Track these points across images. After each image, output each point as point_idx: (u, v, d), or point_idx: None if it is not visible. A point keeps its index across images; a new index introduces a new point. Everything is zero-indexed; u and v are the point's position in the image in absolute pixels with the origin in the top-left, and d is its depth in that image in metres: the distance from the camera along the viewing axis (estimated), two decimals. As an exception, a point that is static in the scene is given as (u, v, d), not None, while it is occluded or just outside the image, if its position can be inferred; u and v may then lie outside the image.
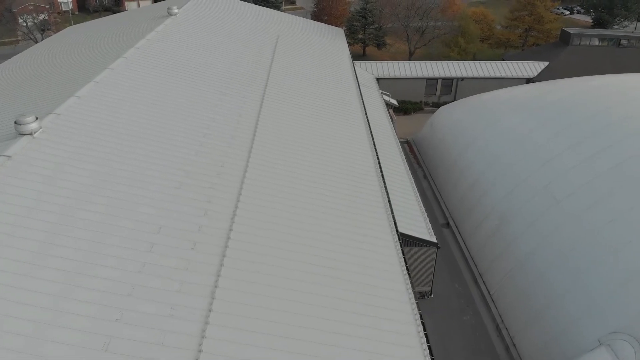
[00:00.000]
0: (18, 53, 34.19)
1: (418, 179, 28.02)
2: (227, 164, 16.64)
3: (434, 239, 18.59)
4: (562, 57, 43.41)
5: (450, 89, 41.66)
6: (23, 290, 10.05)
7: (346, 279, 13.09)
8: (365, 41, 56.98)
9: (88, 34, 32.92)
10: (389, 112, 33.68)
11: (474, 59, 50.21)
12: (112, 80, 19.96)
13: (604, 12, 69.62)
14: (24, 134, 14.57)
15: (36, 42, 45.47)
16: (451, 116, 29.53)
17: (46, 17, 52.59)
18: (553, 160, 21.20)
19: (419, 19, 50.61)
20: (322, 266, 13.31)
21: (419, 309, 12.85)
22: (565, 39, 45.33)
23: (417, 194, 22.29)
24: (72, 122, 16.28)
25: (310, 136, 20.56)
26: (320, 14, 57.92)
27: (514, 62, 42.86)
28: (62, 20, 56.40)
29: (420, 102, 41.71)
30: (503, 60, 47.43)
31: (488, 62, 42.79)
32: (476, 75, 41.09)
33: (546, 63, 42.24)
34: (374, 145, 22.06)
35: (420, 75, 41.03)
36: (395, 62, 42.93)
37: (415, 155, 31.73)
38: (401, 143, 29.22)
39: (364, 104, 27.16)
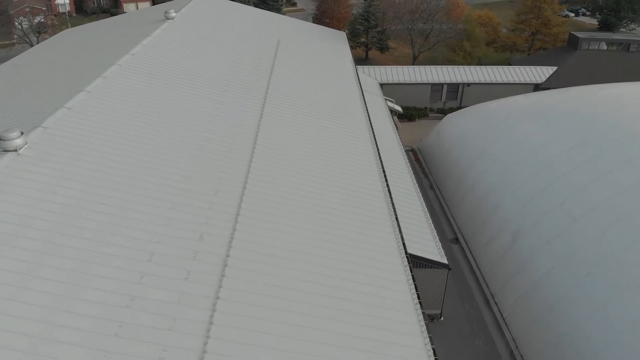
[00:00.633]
0: (13, 56, 33.33)
1: (424, 190, 26.97)
2: (225, 181, 15.63)
3: (444, 260, 17.54)
4: (571, 62, 42.33)
5: (456, 94, 40.58)
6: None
7: (353, 304, 12.23)
8: (368, 45, 55.91)
9: (83, 38, 31.91)
10: (394, 119, 32.64)
11: (480, 63, 49.16)
12: (105, 90, 18.97)
13: (610, 15, 68.51)
14: (8, 150, 13.58)
15: (31, 45, 44.48)
16: (459, 124, 28.47)
17: (42, 20, 51.54)
18: (569, 174, 20.14)
19: (423, 22, 49.50)
20: (328, 295, 12.30)
21: (428, 333, 12.11)
22: (573, 43, 44.24)
23: (425, 208, 21.23)
24: (60, 137, 15.28)
25: (312, 148, 19.56)
26: (322, 17, 56.86)
27: (522, 67, 41.79)
28: (59, 22, 55.40)
29: (425, 108, 40.64)
30: (510, 64, 46.41)
31: (495, 67, 41.72)
32: (483, 81, 40.01)
33: (554, 68, 41.17)
34: (379, 156, 21.12)
35: (425, 80, 39.95)
36: (399, 67, 41.88)
37: (421, 164, 30.67)
38: (406, 151, 28.23)
39: (367, 111, 26.19)
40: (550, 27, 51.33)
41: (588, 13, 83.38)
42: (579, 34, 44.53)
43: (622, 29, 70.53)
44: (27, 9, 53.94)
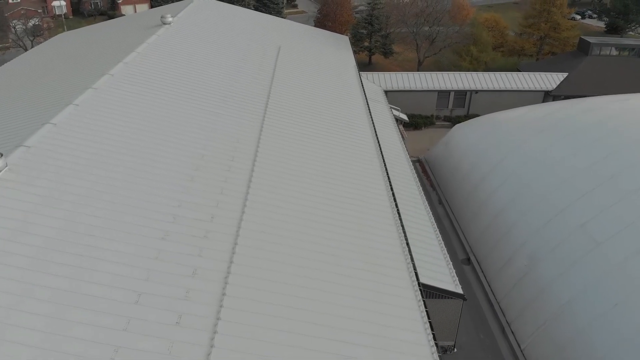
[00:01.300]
0: (8, 61, 32.24)
1: (433, 205, 25.67)
2: (222, 204, 14.37)
3: (459, 290, 16.24)
4: (582, 68, 40.99)
5: (464, 101, 39.24)
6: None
7: (363, 339, 11.16)
8: (372, 49, 54.56)
9: (76, 43, 30.67)
10: (399, 129, 31.36)
11: (487, 68, 47.84)
12: (95, 103, 17.74)
13: (619, 18, 67.15)
14: (-13, 174, 12.45)
15: (25, 49, 43.24)
16: (469, 136, 27.17)
17: (38, 22, 50.28)
18: (591, 193, 18.83)
19: (429, 27, 48.11)
20: (335, 327, 11.13)
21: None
22: (584, 48, 42.89)
23: (436, 228, 19.94)
24: (44, 157, 14.08)
25: (316, 165, 18.34)
26: (324, 20, 55.47)
27: (531, 74, 40.44)
28: (55, 25, 54.15)
29: (432, 115, 39.30)
30: (518, 69, 45.08)
31: (503, 74, 40.37)
32: (491, 88, 38.65)
33: (565, 74, 39.83)
34: (386, 171, 19.90)
35: (431, 87, 38.61)
36: (405, 74, 40.54)
37: (428, 176, 29.36)
38: (412, 162, 26.98)
39: (372, 121, 24.99)
40: (560, 32, 49.92)
41: (594, 15, 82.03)
42: (590, 39, 43.18)
43: (631, 32, 69.19)
44: (23, 11, 52.66)
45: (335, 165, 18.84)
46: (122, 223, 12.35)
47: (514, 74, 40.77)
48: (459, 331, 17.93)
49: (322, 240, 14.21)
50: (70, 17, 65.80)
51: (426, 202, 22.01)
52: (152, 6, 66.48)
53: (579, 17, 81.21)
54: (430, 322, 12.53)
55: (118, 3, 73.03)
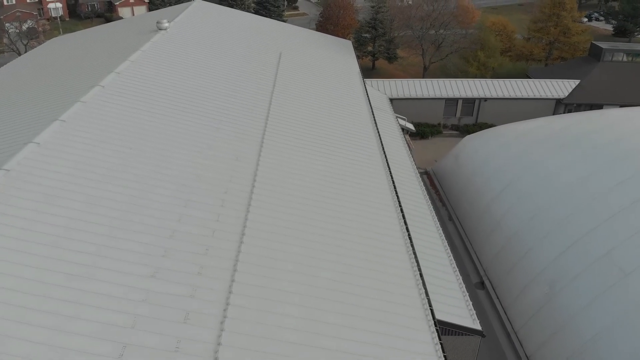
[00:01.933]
0: (1, 65, 30.96)
1: (443, 221, 24.34)
2: (218, 233, 13.04)
3: (478, 326, 14.88)
4: (594, 74, 39.59)
5: (472, 110, 37.85)
6: None
7: None
8: (375, 54, 53.15)
9: (69, 49, 29.39)
10: (406, 139, 30.03)
11: (494, 73, 46.46)
12: (83, 118, 16.46)
13: (627, 21, 65.73)
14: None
15: (19, 54, 41.96)
16: (481, 149, 25.81)
17: (33, 25, 48.97)
18: (616, 217, 17.48)
19: (435, 31, 46.67)
20: None
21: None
22: (595, 54, 41.50)
23: (449, 252, 18.59)
24: (23, 182, 12.81)
25: (320, 185, 17.10)
26: (326, 24, 54.09)
27: (542, 81, 39.04)
28: (51, 27, 52.80)
29: (439, 124, 37.91)
30: (527, 75, 43.70)
31: (513, 81, 38.97)
32: (500, 95, 37.24)
33: (577, 81, 38.43)
34: (394, 187, 18.67)
35: (438, 95, 37.21)
36: (411, 81, 39.15)
37: (437, 190, 28.01)
38: (420, 174, 25.67)
39: (379, 132, 23.73)
40: (570, 36, 48.47)
41: (601, 18, 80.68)
42: (602, 45, 41.80)
43: (639, 36, 67.80)
44: (18, 13, 51.36)
45: (340, 184, 17.58)
46: (104, 258, 11.03)
47: (524, 81, 39.37)
48: (474, 365, 16.60)
49: (329, 274, 12.87)
50: (67, 19, 64.47)
51: (437, 221, 20.69)
52: (150, 9, 65.15)
53: (585, 19, 79.82)
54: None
55: (115, 5, 71.64)
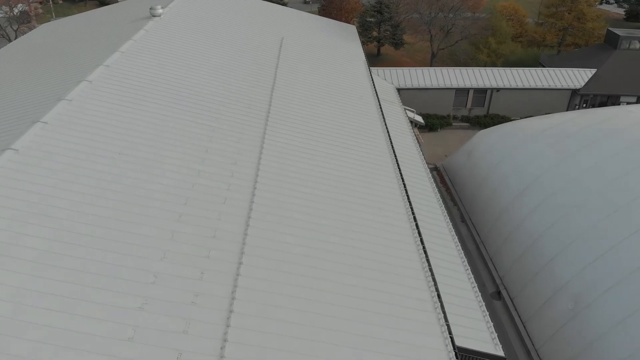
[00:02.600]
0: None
1: (455, 223, 22.82)
2: (213, 254, 11.62)
3: (500, 352, 13.47)
4: (610, 63, 37.69)
5: (483, 100, 36.04)
6: None
7: None
8: (381, 40, 51.12)
9: (58, 37, 27.67)
10: (415, 132, 28.40)
11: (505, 60, 44.48)
12: (67, 119, 15.09)
13: (640, 5, 63.47)
14: None
15: (9, 40, 40.08)
16: (497, 145, 24.17)
17: (25, 9, 47.00)
18: (652, 226, 15.93)
19: (443, 16, 44.59)
20: None
21: None
22: (612, 41, 39.53)
23: (466, 263, 17.11)
24: (3, 193, 11.46)
25: (326, 187, 15.82)
26: (329, 8, 51.98)
27: (556, 70, 37.14)
28: (43, 11, 50.76)
29: (448, 115, 36.14)
30: (540, 63, 41.78)
31: (526, 69, 37.09)
32: (513, 85, 35.42)
33: (593, 70, 36.57)
34: (405, 187, 17.44)
35: (448, 85, 35.39)
36: (419, 69, 37.26)
37: (447, 187, 26.43)
38: (430, 170, 24.13)
39: (386, 126, 22.25)
40: (584, 22, 46.34)
41: (612, 1, 78.21)
42: (619, 31, 39.79)
43: (652, 21, 65.59)
44: (8, -4, 49.14)
45: (347, 185, 16.27)
46: (89, 280, 9.63)
47: (538, 70, 37.48)
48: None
49: (337, 298, 11.48)
50: (60, 1, 62.31)
51: (451, 227, 19.19)
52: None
53: (596, 3, 77.43)
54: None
55: (111, -13, 69.18)
